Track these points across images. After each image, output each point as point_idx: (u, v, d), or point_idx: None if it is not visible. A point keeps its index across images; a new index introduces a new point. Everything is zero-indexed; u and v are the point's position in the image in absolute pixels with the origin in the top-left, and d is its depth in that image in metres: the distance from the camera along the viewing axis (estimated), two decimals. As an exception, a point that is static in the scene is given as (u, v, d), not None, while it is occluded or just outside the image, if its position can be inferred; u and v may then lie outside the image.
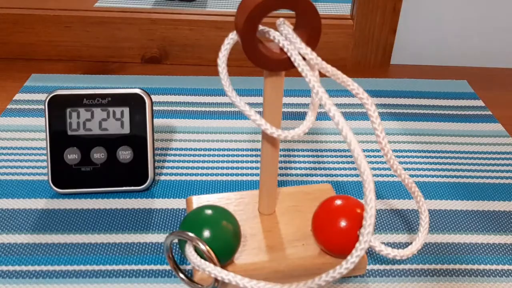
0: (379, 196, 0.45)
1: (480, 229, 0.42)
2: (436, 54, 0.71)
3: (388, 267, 0.38)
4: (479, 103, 0.61)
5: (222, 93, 0.61)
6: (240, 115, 0.57)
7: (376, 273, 0.37)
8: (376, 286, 0.36)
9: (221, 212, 0.34)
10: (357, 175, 0.48)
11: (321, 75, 0.31)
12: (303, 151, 0.51)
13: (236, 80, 0.63)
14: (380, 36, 0.67)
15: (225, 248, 0.33)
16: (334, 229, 0.34)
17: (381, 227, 0.42)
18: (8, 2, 0.67)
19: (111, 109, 0.43)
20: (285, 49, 0.28)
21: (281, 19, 0.29)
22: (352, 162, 0.49)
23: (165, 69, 0.67)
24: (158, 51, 0.68)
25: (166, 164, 0.48)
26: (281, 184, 0.46)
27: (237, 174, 0.48)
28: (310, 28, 0.28)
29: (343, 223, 0.33)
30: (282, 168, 0.48)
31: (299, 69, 0.29)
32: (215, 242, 0.32)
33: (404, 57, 0.71)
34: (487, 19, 0.69)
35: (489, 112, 0.59)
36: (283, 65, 0.29)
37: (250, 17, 0.26)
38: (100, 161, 0.43)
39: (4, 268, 0.37)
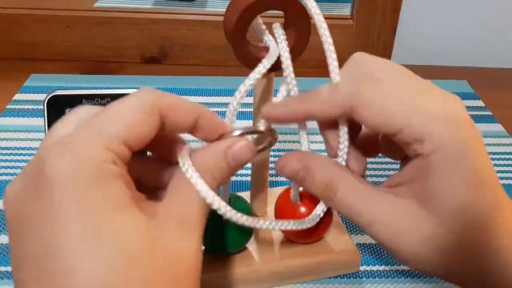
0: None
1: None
2: (436, 54, 0.71)
3: (388, 268, 0.38)
4: (479, 103, 0.61)
5: (221, 93, 0.61)
6: (238, 116, 0.56)
7: (376, 274, 0.37)
8: (375, 287, 0.36)
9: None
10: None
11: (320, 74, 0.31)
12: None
13: (236, 80, 0.62)
14: (380, 36, 0.67)
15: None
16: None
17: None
18: (7, 2, 0.67)
19: (110, 110, 0.43)
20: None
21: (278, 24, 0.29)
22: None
23: (165, 69, 0.67)
24: (158, 51, 0.68)
25: (166, 165, 0.48)
26: (273, 184, 0.46)
27: (236, 175, 0.47)
28: (299, 28, 0.28)
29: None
30: (273, 169, 0.48)
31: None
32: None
33: (404, 57, 0.71)
34: (487, 19, 0.69)
35: (489, 113, 0.59)
36: (272, 66, 0.29)
37: (240, 18, 0.26)
38: (99, 162, 0.43)
39: (3, 268, 0.37)
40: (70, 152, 0.19)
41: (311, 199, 0.34)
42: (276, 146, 0.51)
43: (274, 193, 0.41)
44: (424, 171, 0.25)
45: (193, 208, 0.22)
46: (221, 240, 0.33)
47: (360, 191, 0.26)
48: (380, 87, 0.25)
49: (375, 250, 0.39)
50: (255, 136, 0.28)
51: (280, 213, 0.36)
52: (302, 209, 0.34)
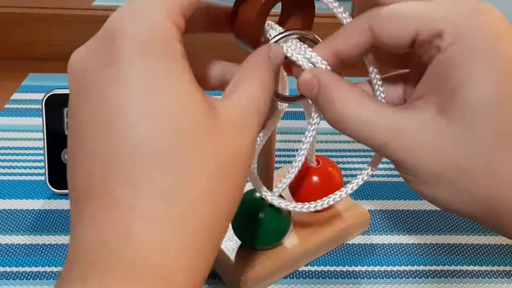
0: (378, 196, 0.45)
1: (478, 230, 0.41)
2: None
3: (388, 268, 0.38)
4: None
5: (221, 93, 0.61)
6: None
7: (376, 273, 0.37)
8: (376, 287, 0.36)
9: None
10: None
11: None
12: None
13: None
14: (380, 35, 0.67)
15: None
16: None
17: (381, 228, 0.41)
18: (5, 1, 0.67)
19: (109, 109, 0.43)
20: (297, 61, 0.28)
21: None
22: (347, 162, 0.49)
23: (164, 69, 0.67)
24: (157, 50, 0.68)
25: (165, 164, 0.48)
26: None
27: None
28: (305, 11, 0.28)
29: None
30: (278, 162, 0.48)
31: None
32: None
33: (404, 57, 0.70)
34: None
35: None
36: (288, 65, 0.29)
37: (259, 13, 0.26)
38: (98, 161, 0.43)
39: (1, 269, 0.36)
40: (141, 21, 0.19)
41: (324, 161, 0.39)
42: (277, 146, 0.51)
43: (279, 174, 0.41)
44: (443, 69, 0.21)
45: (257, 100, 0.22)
46: (262, 235, 0.35)
47: (374, 107, 0.23)
48: (389, 7, 0.23)
49: (376, 250, 0.39)
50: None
51: (297, 185, 0.38)
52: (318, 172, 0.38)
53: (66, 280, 0.17)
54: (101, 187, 0.18)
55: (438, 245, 0.40)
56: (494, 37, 0.20)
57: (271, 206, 0.34)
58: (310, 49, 0.26)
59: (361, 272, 0.37)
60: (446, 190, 0.21)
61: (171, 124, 0.18)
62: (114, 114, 0.18)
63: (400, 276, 0.37)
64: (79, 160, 0.19)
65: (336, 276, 0.37)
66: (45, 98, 0.42)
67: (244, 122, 0.20)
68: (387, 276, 0.37)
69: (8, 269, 0.37)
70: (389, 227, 0.42)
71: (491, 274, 0.37)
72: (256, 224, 0.35)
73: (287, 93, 0.31)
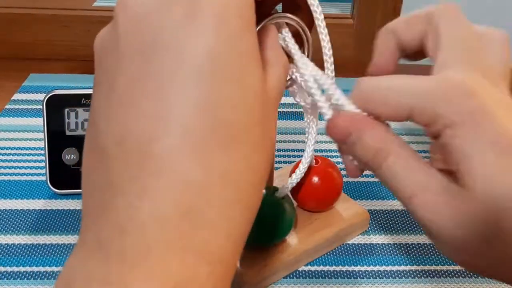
0: (378, 196, 0.45)
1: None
2: (436, 53, 0.71)
3: (388, 268, 0.38)
4: (479, 103, 0.61)
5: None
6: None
7: (376, 274, 0.37)
8: (376, 287, 0.36)
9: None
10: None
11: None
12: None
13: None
14: (380, 35, 0.67)
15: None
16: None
17: (380, 228, 0.42)
18: (6, 2, 0.67)
19: (109, 109, 0.43)
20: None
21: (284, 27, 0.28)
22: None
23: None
24: (157, 50, 0.68)
25: (165, 164, 0.48)
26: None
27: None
28: (304, 13, 0.28)
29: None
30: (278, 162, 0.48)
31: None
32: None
33: (404, 57, 0.70)
34: (486, 19, 0.69)
35: (490, 112, 0.59)
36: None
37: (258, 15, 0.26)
38: (98, 162, 0.43)
39: (2, 269, 0.37)
40: None
41: (323, 161, 0.39)
42: (277, 146, 0.51)
43: (280, 174, 0.42)
44: (447, 148, 0.22)
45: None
46: (268, 231, 0.35)
47: (408, 159, 0.23)
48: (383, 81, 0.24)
49: (375, 250, 0.39)
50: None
51: (298, 184, 0.38)
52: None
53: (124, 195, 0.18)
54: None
55: (430, 245, 0.40)
56: (483, 115, 0.21)
57: (276, 201, 0.34)
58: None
59: (360, 272, 0.37)
60: (456, 245, 0.23)
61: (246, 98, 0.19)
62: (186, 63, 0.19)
63: (399, 276, 0.37)
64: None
65: (336, 276, 0.37)
66: (46, 99, 0.42)
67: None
68: (387, 276, 0.37)
69: (8, 269, 0.37)
70: (389, 227, 0.42)
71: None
72: (263, 219, 0.35)
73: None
